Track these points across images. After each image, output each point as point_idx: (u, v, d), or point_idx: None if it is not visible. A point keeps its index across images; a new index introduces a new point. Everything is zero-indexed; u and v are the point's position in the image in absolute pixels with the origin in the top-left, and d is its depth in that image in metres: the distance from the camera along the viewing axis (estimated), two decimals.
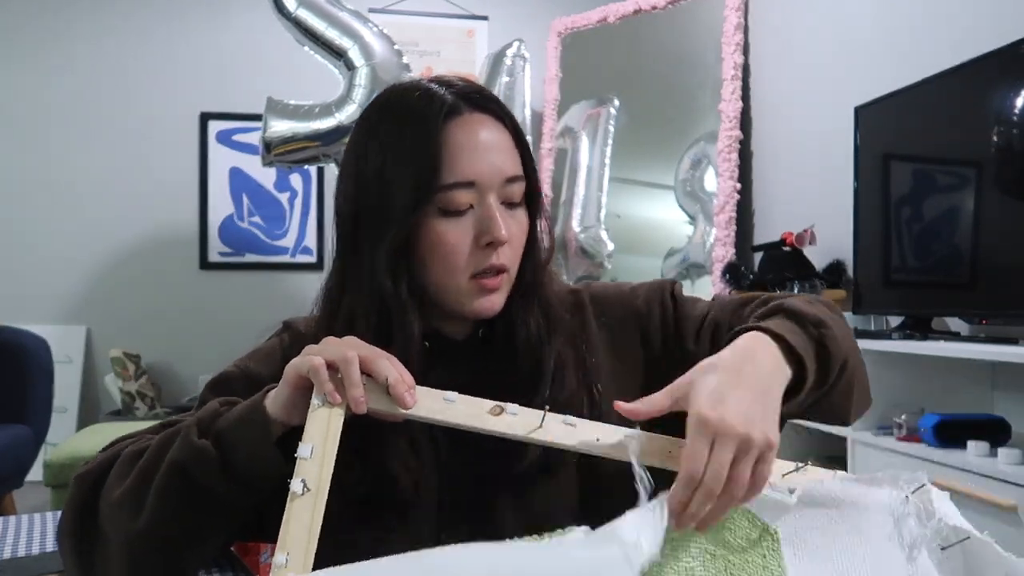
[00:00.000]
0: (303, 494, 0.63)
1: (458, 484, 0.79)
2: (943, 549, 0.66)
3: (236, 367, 0.85)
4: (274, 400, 0.71)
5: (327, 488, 0.63)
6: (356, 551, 0.70)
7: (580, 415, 0.74)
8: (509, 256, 0.81)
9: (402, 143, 0.77)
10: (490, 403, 0.70)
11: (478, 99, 0.80)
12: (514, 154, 0.81)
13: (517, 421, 0.69)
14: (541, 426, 0.69)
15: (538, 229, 0.85)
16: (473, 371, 0.80)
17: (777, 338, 0.70)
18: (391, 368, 0.69)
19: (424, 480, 0.78)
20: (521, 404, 0.73)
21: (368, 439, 0.75)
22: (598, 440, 0.69)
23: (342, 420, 0.67)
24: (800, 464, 0.68)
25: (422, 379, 0.72)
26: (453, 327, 0.85)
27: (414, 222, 0.77)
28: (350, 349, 0.69)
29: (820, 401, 0.77)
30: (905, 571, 0.65)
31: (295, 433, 0.69)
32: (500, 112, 0.81)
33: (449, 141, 0.77)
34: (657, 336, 0.88)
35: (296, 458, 0.64)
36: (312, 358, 0.68)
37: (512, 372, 0.81)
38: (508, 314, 0.83)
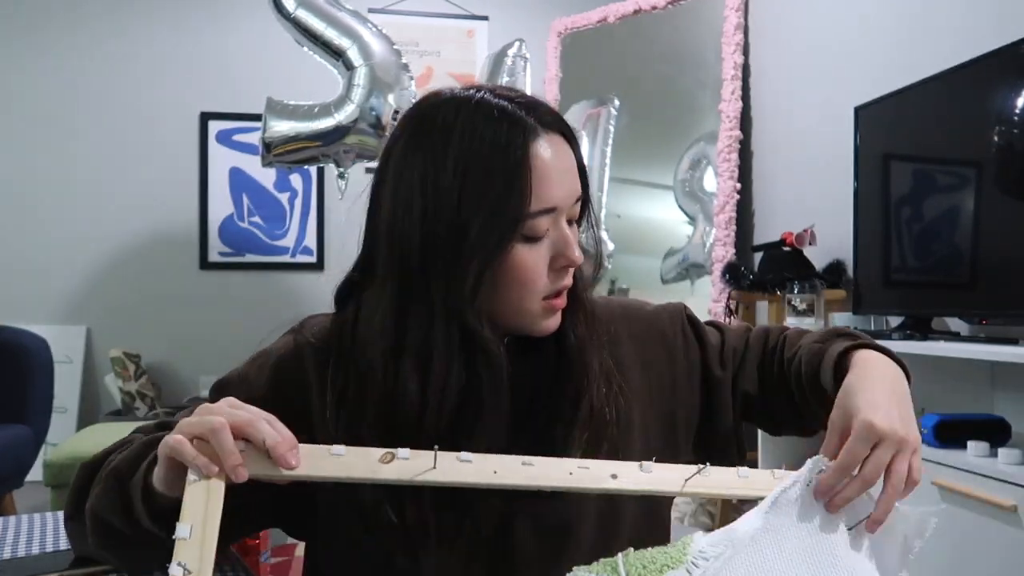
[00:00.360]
0: None
1: (475, 496, 0.77)
2: (849, 529, 0.70)
3: (237, 373, 0.84)
4: (156, 474, 0.69)
5: (210, 568, 0.60)
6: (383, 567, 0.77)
7: (608, 422, 0.78)
8: (572, 273, 0.81)
9: (481, 167, 0.73)
10: (379, 451, 0.67)
11: (550, 120, 0.77)
12: (577, 172, 0.80)
13: (409, 465, 0.67)
14: (434, 467, 0.67)
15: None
16: (508, 375, 0.78)
17: (882, 351, 0.80)
18: (268, 429, 0.66)
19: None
20: (564, 409, 0.78)
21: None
22: (495, 473, 0.67)
23: (223, 492, 0.63)
24: (701, 466, 0.71)
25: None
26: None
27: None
28: (218, 416, 0.65)
29: None
30: (813, 539, 0.69)
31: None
32: (567, 131, 0.79)
33: (533, 167, 0.74)
34: (682, 358, 0.91)
35: (175, 539, 0.61)
36: (174, 436, 0.65)
37: (550, 377, 0.81)
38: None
